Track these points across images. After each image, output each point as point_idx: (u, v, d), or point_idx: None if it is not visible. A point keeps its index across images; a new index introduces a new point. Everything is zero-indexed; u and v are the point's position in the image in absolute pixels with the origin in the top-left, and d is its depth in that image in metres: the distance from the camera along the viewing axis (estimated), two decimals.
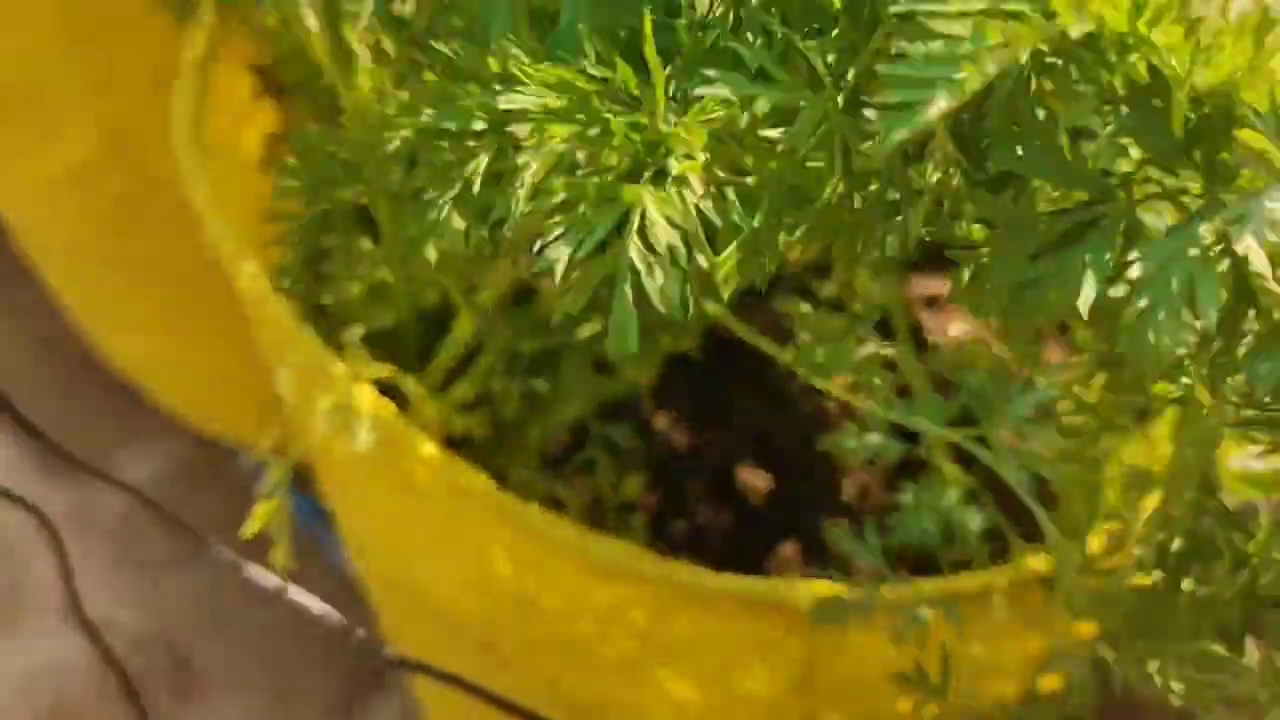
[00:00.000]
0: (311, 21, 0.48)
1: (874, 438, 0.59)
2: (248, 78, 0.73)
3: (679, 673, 0.60)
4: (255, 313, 0.62)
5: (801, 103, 0.35)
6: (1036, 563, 0.55)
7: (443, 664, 0.75)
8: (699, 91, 0.35)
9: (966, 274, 0.36)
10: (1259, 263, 0.32)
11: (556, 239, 0.34)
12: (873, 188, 0.36)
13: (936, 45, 0.30)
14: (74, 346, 1.27)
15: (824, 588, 0.52)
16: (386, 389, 0.63)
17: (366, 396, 0.58)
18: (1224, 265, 0.32)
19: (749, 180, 0.36)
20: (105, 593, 1.27)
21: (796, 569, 0.69)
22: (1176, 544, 0.48)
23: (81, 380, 1.39)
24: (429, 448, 0.56)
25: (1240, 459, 0.60)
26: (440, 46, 0.37)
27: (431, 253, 0.55)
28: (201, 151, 0.64)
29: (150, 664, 1.22)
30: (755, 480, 0.72)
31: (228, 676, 1.21)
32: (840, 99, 0.35)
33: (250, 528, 0.58)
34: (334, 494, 0.73)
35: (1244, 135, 0.33)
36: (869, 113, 0.34)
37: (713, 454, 0.72)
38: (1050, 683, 0.56)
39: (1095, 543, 0.56)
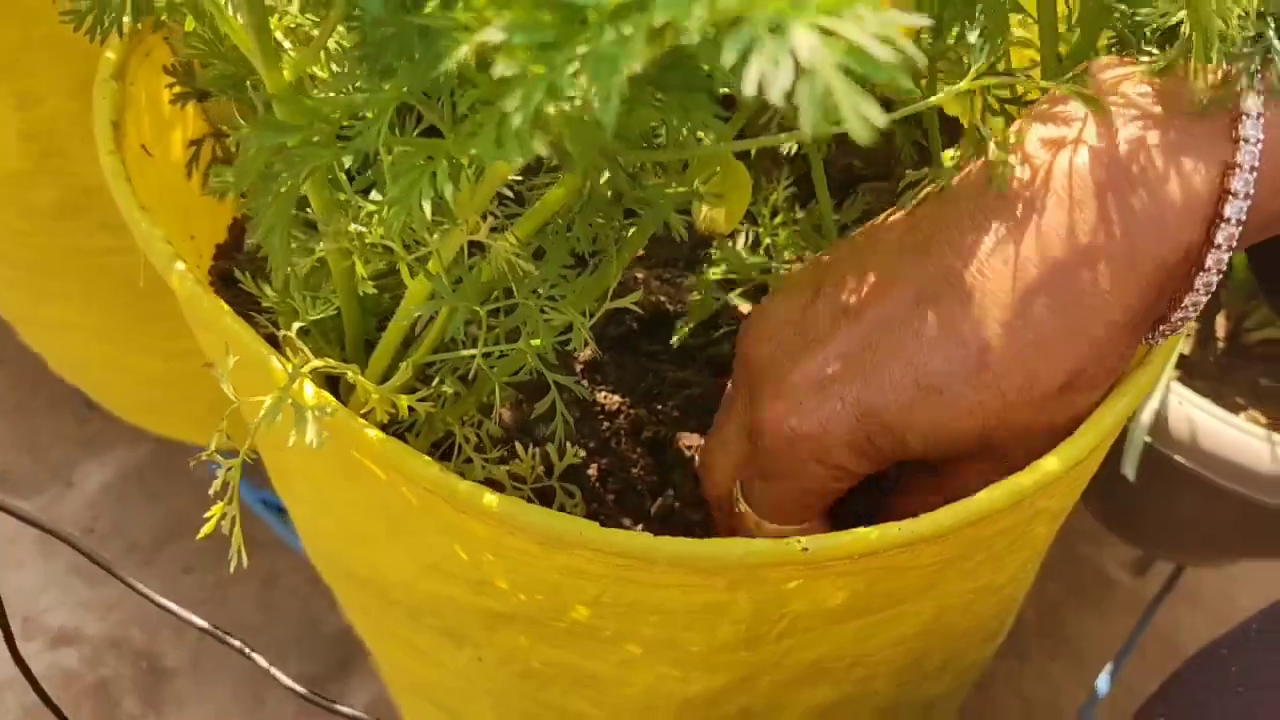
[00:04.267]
0: (235, 13, 0.48)
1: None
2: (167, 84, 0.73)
3: (630, 636, 0.61)
4: (190, 313, 0.63)
5: None
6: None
7: (402, 647, 0.76)
8: None
9: None
10: None
11: None
12: None
13: None
14: (28, 361, 1.27)
15: (760, 546, 0.53)
16: (331, 379, 0.64)
17: (306, 389, 0.59)
18: None
19: None
20: (69, 599, 1.27)
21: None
22: None
23: (35, 391, 1.39)
24: (371, 434, 0.57)
25: None
26: None
27: (426, 209, 0.50)
28: (122, 158, 0.65)
29: (118, 665, 1.23)
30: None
31: (200, 669, 1.22)
32: None
33: (204, 530, 0.59)
34: (285, 489, 0.74)
35: None
36: None
37: (653, 424, 0.73)
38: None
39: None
